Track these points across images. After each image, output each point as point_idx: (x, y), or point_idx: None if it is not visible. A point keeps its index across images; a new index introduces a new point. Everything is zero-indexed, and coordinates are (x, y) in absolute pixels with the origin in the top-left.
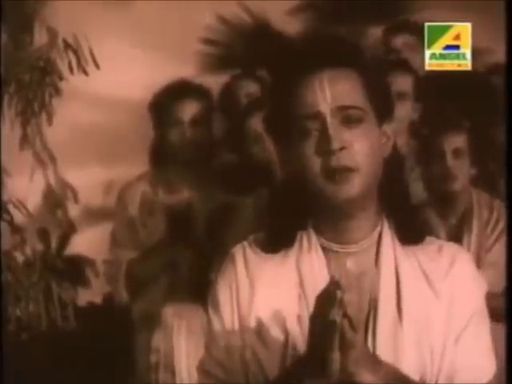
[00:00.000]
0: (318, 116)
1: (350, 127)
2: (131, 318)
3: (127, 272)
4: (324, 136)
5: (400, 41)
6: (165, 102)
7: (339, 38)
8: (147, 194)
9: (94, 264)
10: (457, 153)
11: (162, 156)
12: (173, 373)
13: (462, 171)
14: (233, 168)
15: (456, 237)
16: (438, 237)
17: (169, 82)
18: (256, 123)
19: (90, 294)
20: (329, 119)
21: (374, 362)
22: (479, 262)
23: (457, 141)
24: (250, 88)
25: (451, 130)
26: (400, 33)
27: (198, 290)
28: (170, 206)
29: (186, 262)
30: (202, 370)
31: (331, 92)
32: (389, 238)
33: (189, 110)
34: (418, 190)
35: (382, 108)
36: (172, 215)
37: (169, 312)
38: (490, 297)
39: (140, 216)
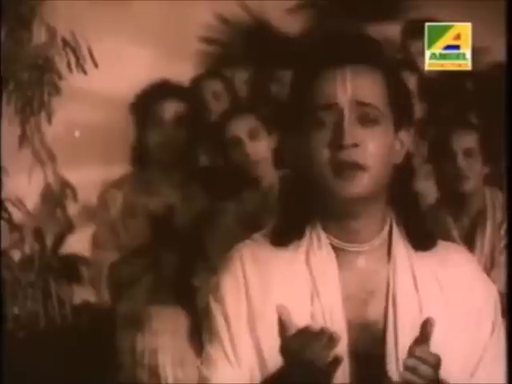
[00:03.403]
0: (336, 108)
1: (365, 126)
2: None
3: (109, 274)
4: (338, 129)
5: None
6: (146, 103)
7: (370, 37)
8: (129, 196)
9: (88, 263)
10: (468, 152)
11: (142, 157)
12: (157, 374)
13: (473, 171)
14: (214, 172)
15: (469, 238)
16: (451, 238)
17: (150, 83)
18: (236, 128)
19: (85, 293)
20: (346, 113)
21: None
22: (492, 263)
23: (467, 140)
24: (215, 87)
25: (461, 129)
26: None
27: (180, 292)
28: (152, 208)
29: (168, 264)
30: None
31: (352, 86)
32: (400, 242)
33: (170, 110)
34: (428, 189)
35: (402, 114)
36: (153, 217)
37: (152, 314)
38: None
39: (121, 218)
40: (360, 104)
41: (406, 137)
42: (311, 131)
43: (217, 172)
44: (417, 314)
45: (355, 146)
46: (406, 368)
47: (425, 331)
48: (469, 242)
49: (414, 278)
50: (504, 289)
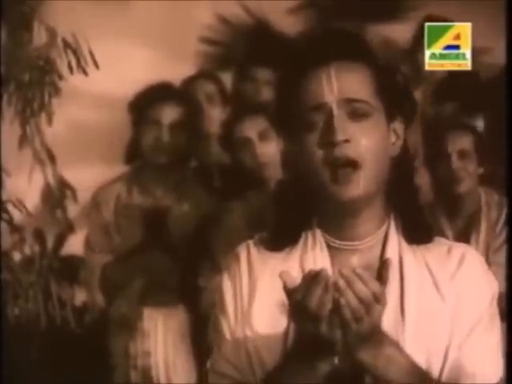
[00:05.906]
0: (324, 107)
1: (355, 121)
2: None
3: (102, 276)
4: (328, 127)
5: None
6: (145, 104)
7: (350, 32)
8: (122, 197)
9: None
10: (462, 154)
11: (136, 158)
12: (150, 376)
13: (468, 172)
14: (218, 172)
15: (464, 238)
16: (445, 238)
17: (151, 84)
18: (246, 129)
19: (85, 294)
20: (335, 110)
21: (376, 340)
22: (487, 263)
23: (462, 142)
24: (208, 88)
25: (455, 130)
26: None
27: (179, 293)
28: (145, 209)
29: (163, 266)
30: (213, 370)
31: (338, 84)
32: (395, 237)
33: (169, 114)
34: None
35: (393, 105)
36: (147, 219)
37: (145, 316)
38: (498, 297)
39: (114, 219)
40: (348, 100)
41: (401, 128)
42: (303, 133)
43: (222, 172)
44: (398, 316)
45: (346, 141)
46: (341, 275)
47: (381, 272)
48: (463, 242)
49: (402, 277)
50: (503, 288)
